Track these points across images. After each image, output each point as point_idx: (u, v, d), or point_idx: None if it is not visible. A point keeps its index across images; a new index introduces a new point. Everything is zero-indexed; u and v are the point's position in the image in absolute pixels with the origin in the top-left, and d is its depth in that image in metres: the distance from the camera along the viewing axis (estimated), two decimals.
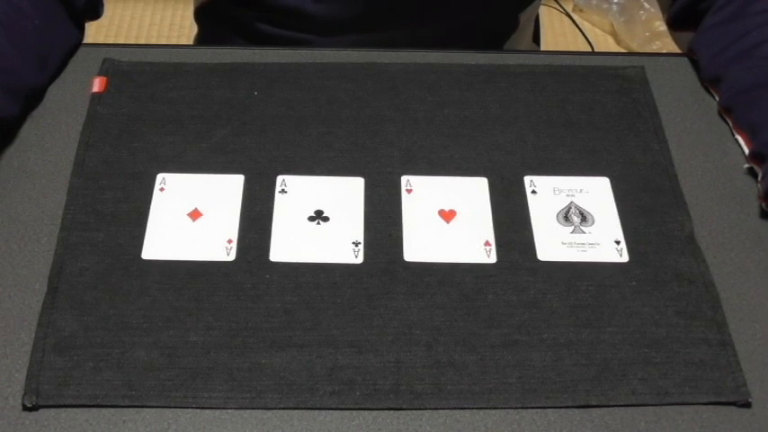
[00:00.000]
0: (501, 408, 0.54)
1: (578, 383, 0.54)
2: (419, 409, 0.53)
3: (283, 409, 0.53)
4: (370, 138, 0.68)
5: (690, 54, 0.76)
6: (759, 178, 0.65)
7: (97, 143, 0.66)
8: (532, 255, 0.61)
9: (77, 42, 0.75)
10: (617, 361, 0.56)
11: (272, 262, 0.60)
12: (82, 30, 0.76)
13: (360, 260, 0.60)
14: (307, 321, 0.57)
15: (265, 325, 0.56)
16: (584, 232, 0.63)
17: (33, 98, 0.69)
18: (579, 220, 0.63)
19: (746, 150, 0.67)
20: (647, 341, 0.57)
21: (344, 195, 0.64)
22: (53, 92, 0.71)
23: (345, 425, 0.53)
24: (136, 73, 0.72)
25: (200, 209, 0.63)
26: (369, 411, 0.53)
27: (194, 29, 1.00)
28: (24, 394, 0.53)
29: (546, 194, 0.65)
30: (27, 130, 0.68)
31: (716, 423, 0.53)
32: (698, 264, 0.61)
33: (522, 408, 0.54)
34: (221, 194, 0.64)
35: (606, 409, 0.54)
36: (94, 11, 0.78)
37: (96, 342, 0.55)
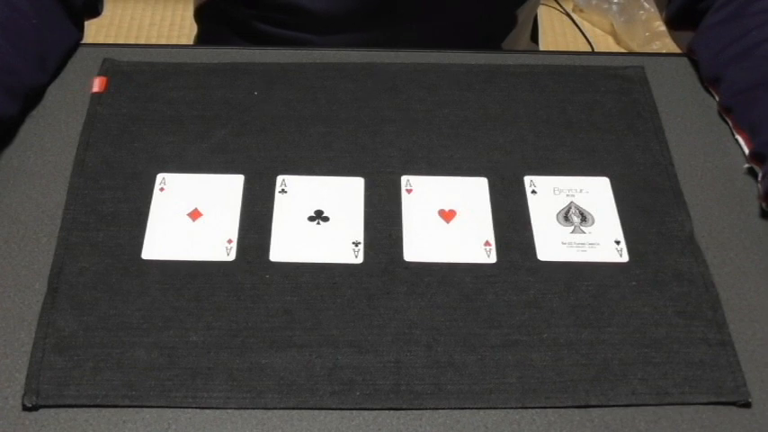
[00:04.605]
0: (501, 408, 0.54)
1: (578, 383, 0.54)
2: (419, 409, 0.53)
3: (283, 409, 0.53)
4: (370, 138, 0.68)
5: (689, 54, 0.76)
6: (759, 178, 0.65)
7: (97, 143, 0.66)
8: (532, 255, 0.61)
9: (77, 41, 0.75)
10: (617, 361, 0.56)
11: (272, 262, 0.60)
12: (81, 28, 0.76)
13: (360, 260, 0.60)
14: (307, 321, 0.57)
15: (265, 325, 0.56)
16: (584, 232, 0.63)
17: (33, 98, 0.69)
18: (579, 220, 0.63)
19: (746, 150, 0.67)
20: (647, 341, 0.57)
21: (344, 195, 0.64)
22: (53, 92, 0.71)
23: (345, 425, 0.53)
24: (136, 73, 0.72)
25: (200, 209, 0.63)
26: (369, 411, 0.53)
27: (194, 29, 1.00)
28: (24, 394, 0.53)
29: (546, 194, 0.65)
30: (27, 130, 0.68)
31: (716, 423, 0.54)
32: (698, 264, 0.61)
33: (522, 408, 0.54)
34: (221, 194, 0.64)
35: (606, 409, 0.54)
36: (94, 9, 0.78)
37: (96, 342, 0.55)
